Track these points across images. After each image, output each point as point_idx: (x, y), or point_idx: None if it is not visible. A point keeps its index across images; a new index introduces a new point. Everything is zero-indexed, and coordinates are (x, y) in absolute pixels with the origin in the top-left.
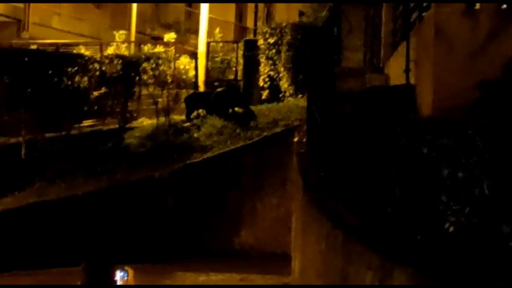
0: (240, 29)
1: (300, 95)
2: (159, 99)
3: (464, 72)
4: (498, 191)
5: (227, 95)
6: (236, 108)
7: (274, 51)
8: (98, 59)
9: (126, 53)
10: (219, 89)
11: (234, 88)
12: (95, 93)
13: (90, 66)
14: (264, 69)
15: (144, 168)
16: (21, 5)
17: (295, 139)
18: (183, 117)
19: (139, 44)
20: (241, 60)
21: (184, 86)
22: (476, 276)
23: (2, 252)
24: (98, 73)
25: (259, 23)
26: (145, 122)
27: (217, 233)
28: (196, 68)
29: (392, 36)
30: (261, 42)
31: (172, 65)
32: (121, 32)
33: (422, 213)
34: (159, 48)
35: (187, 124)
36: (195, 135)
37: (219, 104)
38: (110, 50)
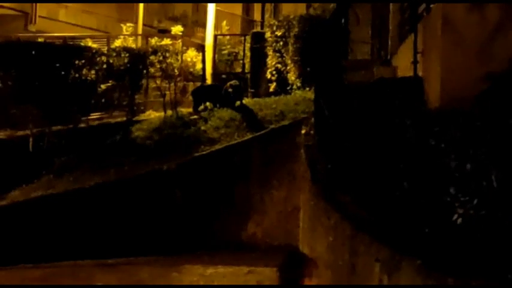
0: (247, 22)
1: (308, 88)
2: (167, 92)
3: (472, 64)
4: (506, 183)
5: (235, 88)
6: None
7: (281, 43)
8: (105, 51)
9: (133, 45)
10: (230, 83)
11: (241, 81)
12: (102, 86)
13: (98, 59)
14: (272, 61)
15: (151, 161)
16: None
17: (303, 131)
18: (191, 109)
19: (146, 36)
20: (248, 53)
21: (192, 79)
22: (485, 267)
23: (10, 245)
24: (105, 66)
25: (266, 16)
26: (153, 115)
27: (224, 226)
28: (203, 61)
29: (400, 28)
30: (268, 34)
31: (179, 57)
32: (128, 24)
33: (431, 205)
34: (166, 41)
35: (195, 117)
36: (203, 128)
37: (228, 97)
38: (117, 43)
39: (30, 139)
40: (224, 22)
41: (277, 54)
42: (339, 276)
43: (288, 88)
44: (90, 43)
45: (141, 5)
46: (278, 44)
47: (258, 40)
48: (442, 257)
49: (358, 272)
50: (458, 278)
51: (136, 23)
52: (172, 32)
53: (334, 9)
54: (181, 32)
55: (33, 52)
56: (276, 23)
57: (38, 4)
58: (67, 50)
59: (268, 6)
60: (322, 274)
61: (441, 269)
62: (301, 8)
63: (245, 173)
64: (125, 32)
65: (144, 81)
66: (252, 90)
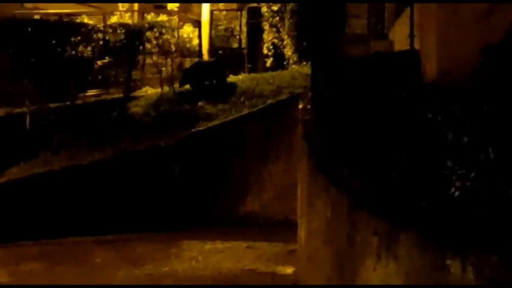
0: None
1: (304, 62)
2: (163, 68)
3: (469, 36)
4: (503, 155)
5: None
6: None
7: (277, 18)
8: (101, 28)
9: (129, 22)
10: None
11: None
12: (99, 63)
13: (94, 36)
14: (268, 36)
15: (149, 137)
16: None
17: (300, 106)
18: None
19: (142, 13)
20: (244, 28)
21: (188, 55)
22: (482, 240)
23: (9, 222)
24: (101, 42)
25: None
26: (150, 91)
27: (223, 202)
28: (199, 37)
29: (396, 2)
30: (264, 9)
31: (175, 33)
32: None
33: (428, 178)
34: (163, 17)
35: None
36: (200, 103)
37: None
38: (113, 19)
39: (27, 116)
40: None
41: (274, 29)
42: (337, 251)
43: (285, 63)
44: (86, 19)
45: None
46: (274, 19)
47: (254, 15)
48: (439, 230)
49: (357, 246)
50: (455, 251)
51: None
52: (169, 8)
53: None
54: (178, 7)
55: (29, 29)
56: None
57: None
58: (63, 27)
59: None
60: (320, 249)
61: (439, 241)
62: None
63: (243, 148)
64: (121, 8)
65: (140, 58)
66: (249, 66)
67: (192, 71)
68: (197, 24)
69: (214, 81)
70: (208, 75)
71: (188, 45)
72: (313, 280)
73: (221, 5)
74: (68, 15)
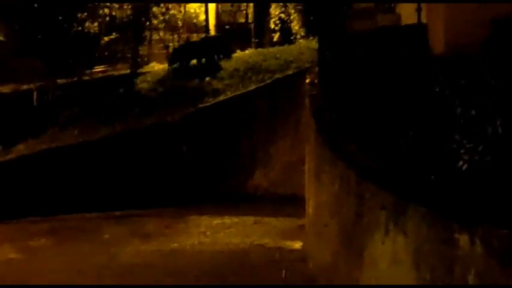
0: None
1: (311, 37)
2: (170, 44)
3: (476, 10)
4: (511, 128)
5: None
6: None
7: None
8: (108, 4)
9: None
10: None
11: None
12: (106, 39)
13: (100, 12)
14: (275, 11)
15: (156, 113)
16: None
17: (307, 81)
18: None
19: None
20: (251, 3)
21: (195, 30)
22: (490, 214)
23: (16, 198)
24: (108, 18)
25: None
26: (157, 67)
27: (231, 177)
28: (206, 12)
29: None
30: None
31: (182, 9)
32: None
33: (436, 152)
34: None
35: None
36: (207, 79)
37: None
38: None
39: (34, 93)
40: None
41: (281, 3)
42: (344, 225)
43: (292, 38)
44: None
45: None
46: None
47: None
48: (447, 204)
49: (365, 220)
50: (464, 224)
51: None
52: None
53: None
54: None
55: (35, 5)
56: None
57: None
58: (69, 3)
59: None
60: (328, 223)
61: (447, 215)
62: None
63: (250, 123)
64: None
65: (147, 33)
66: (256, 40)
67: (181, 50)
68: None
69: (204, 61)
70: (199, 54)
71: (195, 21)
72: (321, 254)
73: None
74: None
